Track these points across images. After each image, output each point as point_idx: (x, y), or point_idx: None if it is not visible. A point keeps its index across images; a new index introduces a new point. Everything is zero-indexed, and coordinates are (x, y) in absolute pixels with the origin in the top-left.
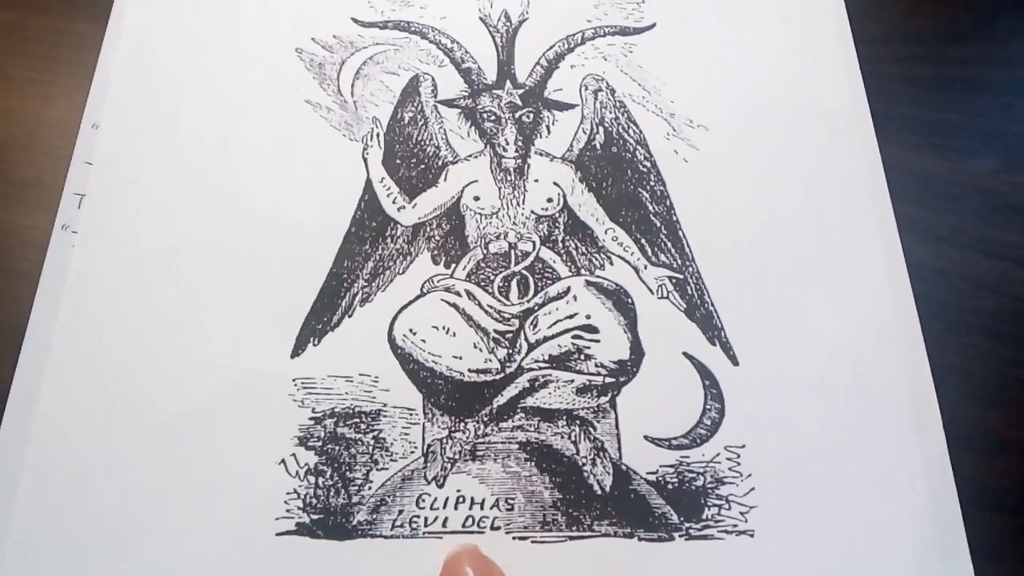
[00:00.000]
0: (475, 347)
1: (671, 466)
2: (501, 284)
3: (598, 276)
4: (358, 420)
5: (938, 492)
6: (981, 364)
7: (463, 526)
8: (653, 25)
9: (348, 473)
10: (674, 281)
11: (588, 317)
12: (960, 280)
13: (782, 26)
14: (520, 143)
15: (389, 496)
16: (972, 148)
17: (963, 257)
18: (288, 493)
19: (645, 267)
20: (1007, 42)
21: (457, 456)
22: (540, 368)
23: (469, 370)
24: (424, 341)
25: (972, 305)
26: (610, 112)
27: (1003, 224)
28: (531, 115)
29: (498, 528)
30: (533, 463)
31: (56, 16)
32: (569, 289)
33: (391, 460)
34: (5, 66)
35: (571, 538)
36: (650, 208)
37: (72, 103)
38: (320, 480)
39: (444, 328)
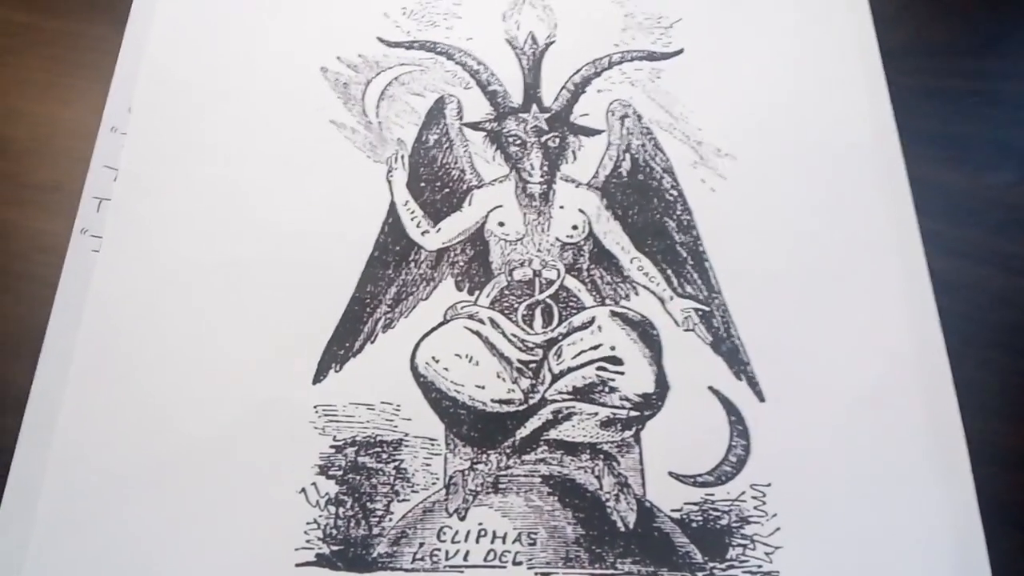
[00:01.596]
0: (498, 376)
1: (696, 504)
2: (525, 312)
3: (623, 306)
4: (379, 449)
5: (962, 523)
6: (1000, 379)
7: (484, 560)
8: (681, 50)
9: (369, 504)
10: (700, 313)
11: (613, 348)
12: (978, 294)
13: (811, 51)
14: (546, 168)
15: (410, 528)
16: (990, 161)
17: (981, 271)
18: (308, 523)
19: (671, 298)
20: None
21: (479, 488)
22: (564, 400)
23: (492, 400)
24: (447, 369)
25: (990, 319)
26: (637, 139)
27: (1021, 238)
28: (557, 140)
29: (520, 563)
30: (556, 497)
31: (73, 19)
32: (594, 319)
33: (412, 491)
34: (23, 69)
35: (594, 575)
36: (676, 238)
37: (90, 106)
38: (340, 510)
39: (467, 356)
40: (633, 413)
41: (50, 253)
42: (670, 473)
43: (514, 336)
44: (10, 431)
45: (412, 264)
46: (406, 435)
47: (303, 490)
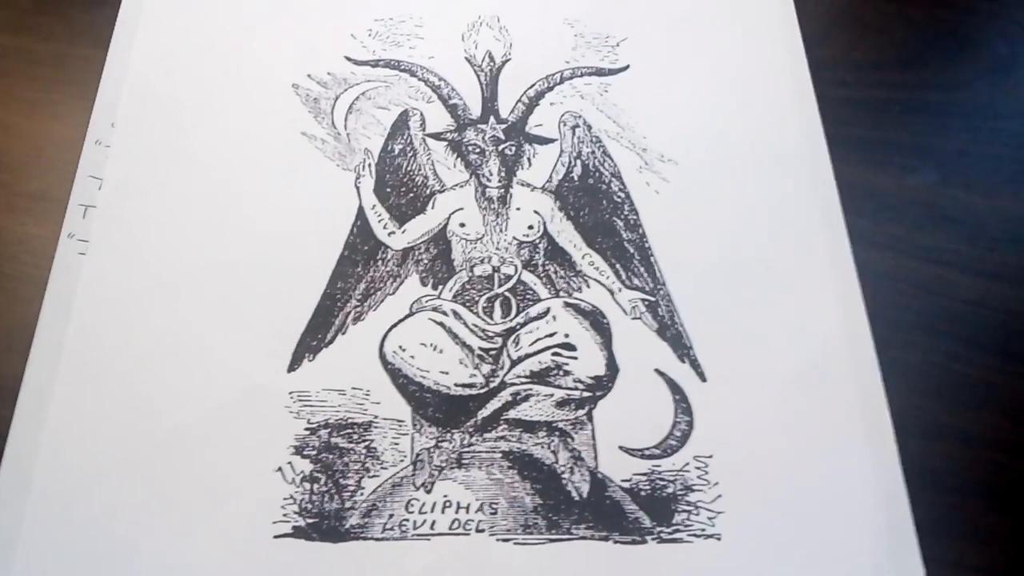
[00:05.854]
0: (461, 363)
1: (644, 474)
2: (485, 305)
3: (576, 298)
4: (351, 431)
5: (888, 488)
6: (922, 359)
7: (450, 528)
8: (627, 67)
9: (341, 480)
10: (646, 303)
11: (567, 336)
12: (900, 283)
13: (745, 66)
14: (503, 174)
15: (380, 501)
16: (911, 164)
17: (903, 263)
18: (285, 498)
19: (619, 290)
20: (941, 68)
21: (444, 464)
22: (522, 383)
23: (455, 384)
24: (413, 357)
25: (911, 305)
26: (587, 146)
27: (939, 233)
28: (513, 148)
29: (482, 531)
30: (515, 471)
31: (60, 41)
32: (549, 310)
33: (382, 468)
34: (14, 87)
35: (551, 540)
36: (624, 235)
37: (76, 121)
38: (315, 486)
39: (432, 345)
40: (586, 394)
41: (39, 255)
42: (620, 447)
43: (475, 326)
44: (4, 419)
45: (380, 262)
46: (376, 417)
47: (280, 469)
